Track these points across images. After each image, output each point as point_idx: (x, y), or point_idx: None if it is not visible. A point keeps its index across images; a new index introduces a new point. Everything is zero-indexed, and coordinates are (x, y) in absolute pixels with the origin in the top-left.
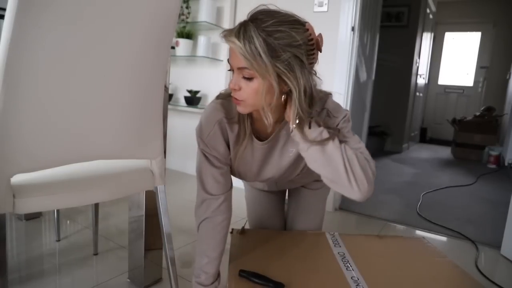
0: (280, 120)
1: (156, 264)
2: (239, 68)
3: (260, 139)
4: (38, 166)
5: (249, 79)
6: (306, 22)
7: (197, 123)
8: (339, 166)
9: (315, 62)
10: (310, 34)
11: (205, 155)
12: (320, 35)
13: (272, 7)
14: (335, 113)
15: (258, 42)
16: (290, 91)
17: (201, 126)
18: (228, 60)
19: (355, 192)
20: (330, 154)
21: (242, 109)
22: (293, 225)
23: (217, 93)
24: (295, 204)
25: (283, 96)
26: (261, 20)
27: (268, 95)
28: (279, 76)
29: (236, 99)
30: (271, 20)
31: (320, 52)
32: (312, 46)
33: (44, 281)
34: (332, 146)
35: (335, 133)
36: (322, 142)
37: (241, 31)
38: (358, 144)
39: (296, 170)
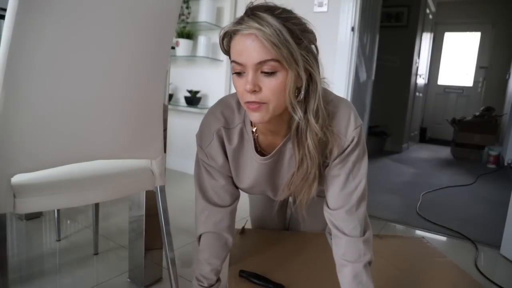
0: (286, 133)
1: (156, 263)
2: (259, 63)
3: (264, 154)
4: (38, 166)
5: (272, 73)
6: None
7: (196, 123)
8: None
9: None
10: None
11: (203, 165)
12: None
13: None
14: (339, 128)
15: (280, 27)
16: (308, 85)
17: (201, 133)
18: (233, 61)
19: None
20: None
21: (262, 116)
22: (299, 228)
23: (217, 93)
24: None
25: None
26: (270, 9)
27: (294, 87)
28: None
29: (255, 105)
30: (279, 9)
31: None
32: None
33: (45, 280)
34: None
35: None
36: None
37: (256, 19)
38: (359, 194)
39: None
